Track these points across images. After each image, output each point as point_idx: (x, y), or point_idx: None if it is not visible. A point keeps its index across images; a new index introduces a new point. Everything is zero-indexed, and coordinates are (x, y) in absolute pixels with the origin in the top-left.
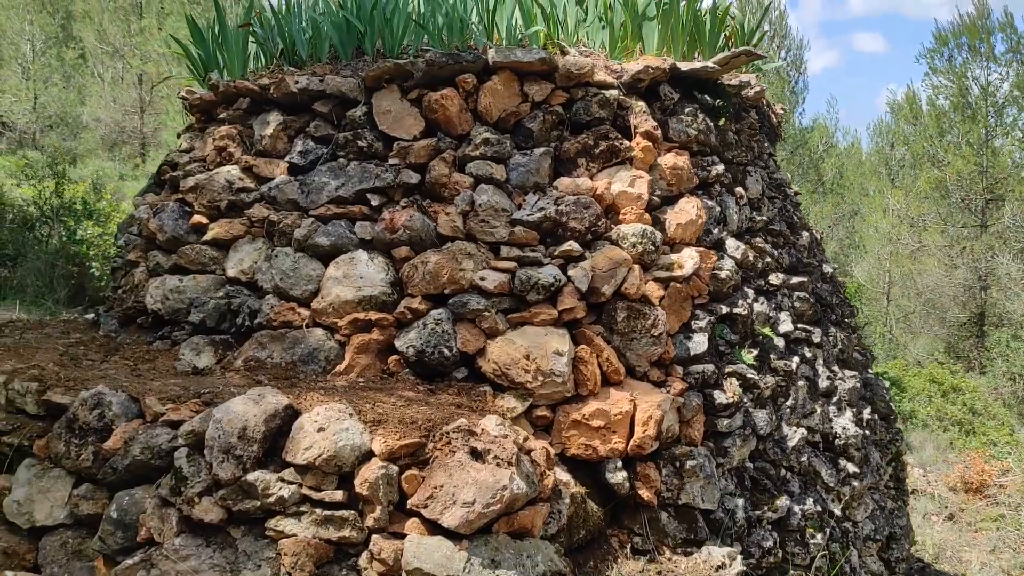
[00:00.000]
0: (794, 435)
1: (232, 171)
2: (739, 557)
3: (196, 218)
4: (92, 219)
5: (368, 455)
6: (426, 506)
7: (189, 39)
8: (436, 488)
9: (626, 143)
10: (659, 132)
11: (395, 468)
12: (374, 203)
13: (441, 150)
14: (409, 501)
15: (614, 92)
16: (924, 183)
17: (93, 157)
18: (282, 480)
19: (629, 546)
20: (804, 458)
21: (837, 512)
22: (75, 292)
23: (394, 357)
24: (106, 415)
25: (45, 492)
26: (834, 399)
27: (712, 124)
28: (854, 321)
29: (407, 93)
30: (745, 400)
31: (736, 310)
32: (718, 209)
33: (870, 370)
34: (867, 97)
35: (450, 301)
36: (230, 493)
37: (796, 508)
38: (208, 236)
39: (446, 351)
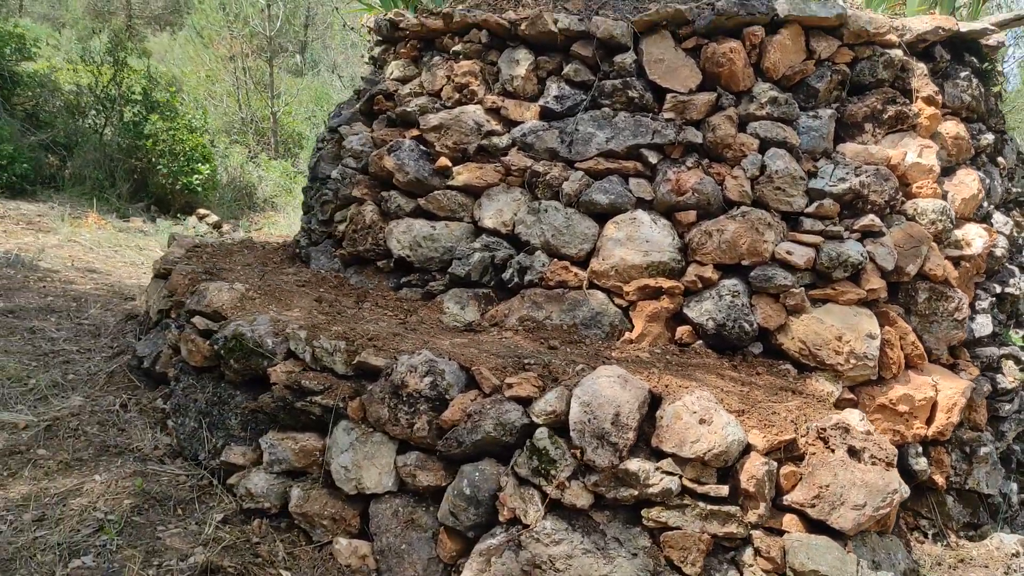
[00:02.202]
0: None
1: (477, 112)
2: None
3: (442, 160)
4: (156, 112)
5: (747, 449)
6: (813, 505)
7: None
8: (822, 488)
9: (913, 108)
10: (939, 97)
11: (774, 464)
12: (652, 160)
13: (722, 107)
14: (787, 497)
15: (898, 52)
16: None
17: (78, 26)
18: (661, 471)
19: (917, 530)
20: None
21: None
22: (136, 187)
23: (684, 327)
24: (439, 384)
25: (371, 458)
26: None
27: (983, 90)
28: None
29: (681, 41)
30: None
31: (1008, 289)
32: (987, 181)
33: None
34: None
35: (752, 274)
36: (604, 480)
37: None
38: (458, 181)
39: (746, 325)
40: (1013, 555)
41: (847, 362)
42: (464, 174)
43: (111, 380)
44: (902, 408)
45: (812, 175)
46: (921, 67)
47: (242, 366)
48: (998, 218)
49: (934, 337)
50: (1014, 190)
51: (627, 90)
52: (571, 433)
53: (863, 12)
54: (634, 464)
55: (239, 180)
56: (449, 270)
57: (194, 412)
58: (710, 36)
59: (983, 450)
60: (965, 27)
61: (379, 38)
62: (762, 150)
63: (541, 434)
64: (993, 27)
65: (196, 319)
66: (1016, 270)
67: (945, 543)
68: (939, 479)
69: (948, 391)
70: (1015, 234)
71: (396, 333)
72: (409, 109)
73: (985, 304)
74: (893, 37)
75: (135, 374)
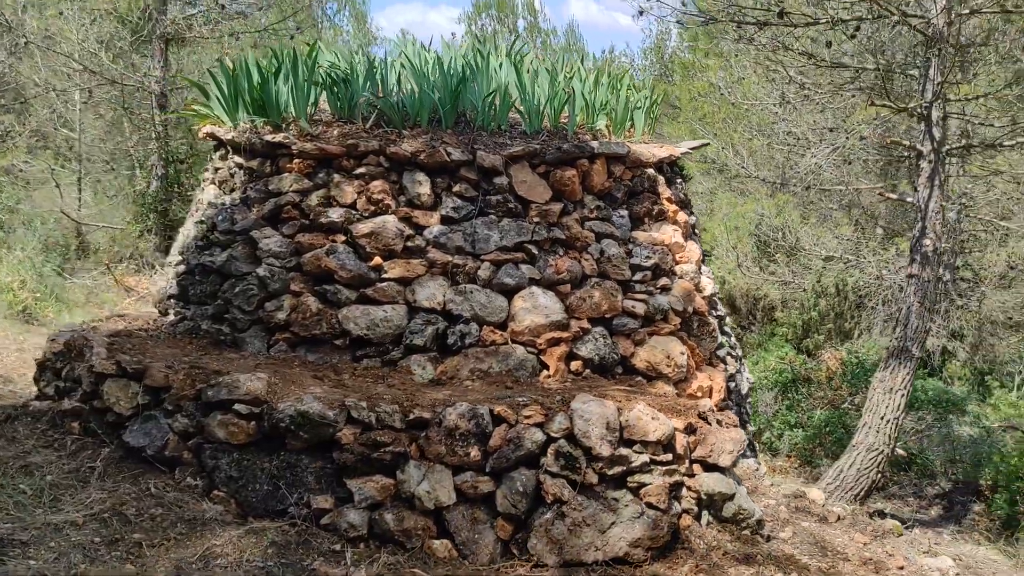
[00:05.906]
0: (745, 384)
1: (394, 220)
2: (763, 462)
3: (376, 259)
4: None
5: (673, 431)
6: (709, 456)
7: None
8: (712, 445)
9: (665, 206)
10: (673, 197)
11: (688, 436)
12: (533, 251)
13: (569, 212)
14: (694, 454)
15: (651, 171)
16: None
17: None
18: (636, 452)
19: None
20: (749, 399)
21: (752, 427)
22: None
23: (577, 362)
24: (481, 423)
25: (439, 483)
26: (742, 360)
27: (686, 188)
28: None
29: (535, 168)
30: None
31: (718, 312)
32: (698, 246)
33: None
34: None
35: (613, 323)
36: (605, 464)
37: (751, 427)
38: (392, 275)
39: (615, 356)
40: (755, 470)
41: (674, 371)
42: (396, 268)
43: (107, 473)
44: (699, 393)
45: (628, 255)
46: (661, 178)
47: (311, 435)
48: (704, 268)
49: (703, 348)
50: (701, 249)
51: (506, 203)
52: (579, 438)
53: (636, 146)
54: (624, 451)
55: None
56: (407, 341)
57: (264, 478)
58: (556, 164)
59: (731, 411)
60: (679, 152)
61: (249, 153)
62: (597, 240)
63: (563, 443)
64: (690, 150)
65: (237, 406)
66: (718, 301)
67: None
68: None
69: (718, 380)
70: (712, 277)
71: (412, 393)
72: (335, 219)
73: (715, 324)
74: (650, 161)
75: (132, 463)
